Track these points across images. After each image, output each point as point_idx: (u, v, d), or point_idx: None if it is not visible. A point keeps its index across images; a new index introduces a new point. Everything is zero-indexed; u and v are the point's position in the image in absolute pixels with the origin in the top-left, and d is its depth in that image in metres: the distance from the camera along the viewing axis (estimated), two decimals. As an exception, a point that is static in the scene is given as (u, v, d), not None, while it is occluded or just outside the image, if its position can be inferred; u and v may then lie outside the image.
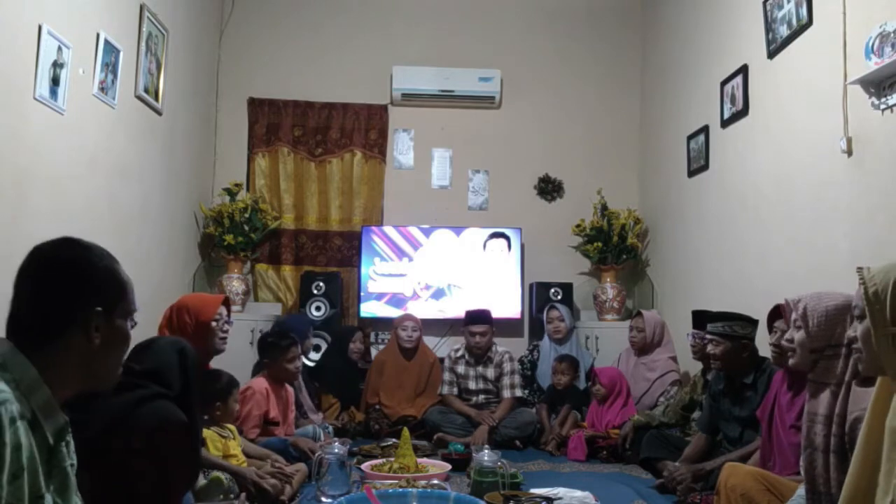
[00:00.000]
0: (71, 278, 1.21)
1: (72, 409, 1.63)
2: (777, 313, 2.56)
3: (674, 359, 4.26)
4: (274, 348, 3.48)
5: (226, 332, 2.77)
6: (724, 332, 3.01)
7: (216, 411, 2.75)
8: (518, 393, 4.38)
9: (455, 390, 4.45)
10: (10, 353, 1.12)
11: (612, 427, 3.96)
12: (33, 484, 1.07)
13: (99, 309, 1.20)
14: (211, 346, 2.71)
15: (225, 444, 2.71)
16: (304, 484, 2.96)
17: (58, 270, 1.22)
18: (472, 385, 4.45)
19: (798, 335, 2.01)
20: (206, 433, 2.67)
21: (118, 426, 1.64)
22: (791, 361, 2.06)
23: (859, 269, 1.43)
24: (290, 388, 3.58)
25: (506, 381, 4.39)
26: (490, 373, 4.44)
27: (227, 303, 2.82)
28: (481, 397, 4.43)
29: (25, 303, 1.20)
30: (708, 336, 3.10)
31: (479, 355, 4.45)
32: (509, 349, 4.57)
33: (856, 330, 1.48)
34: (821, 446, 1.87)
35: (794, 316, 2.03)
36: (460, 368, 4.48)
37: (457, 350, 4.55)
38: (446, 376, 4.47)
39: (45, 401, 1.13)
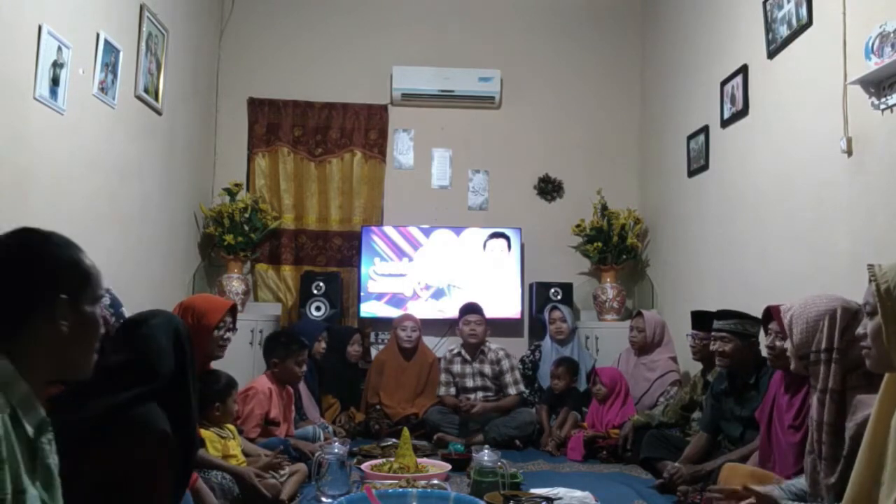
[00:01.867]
0: (30, 268, 1.19)
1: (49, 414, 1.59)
2: (770, 315, 2.57)
3: (674, 359, 4.26)
4: (285, 349, 3.48)
5: (227, 340, 2.74)
6: (735, 329, 3.01)
7: (215, 412, 2.75)
8: (522, 388, 4.42)
9: (452, 391, 4.46)
10: None
11: (612, 427, 3.96)
12: (15, 477, 1.06)
13: (63, 297, 1.19)
14: (209, 352, 2.70)
15: (224, 445, 2.71)
16: (304, 484, 2.96)
17: (16, 261, 1.19)
18: (469, 383, 4.45)
19: (788, 344, 2.07)
20: (206, 433, 2.67)
21: (93, 440, 1.57)
22: (791, 367, 2.10)
23: (870, 266, 1.42)
24: (290, 390, 3.58)
25: (508, 378, 4.41)
26: (487, 369, 4.45)
27: (234, 310, 2.80)
28: (479, 395, 4.43)
29: None
30: (715, 334, 3.10)
31: (473, 347, 4.47)
32: (508, 349, 4.59)
33: (865, 327, 1.47)
34: (816, 451, 1.89)
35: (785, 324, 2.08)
36: (456, 367, 4.49)
37: (452, 350, 4.56)
38: (442, 377, 4.49)
39: (23, 394, 1.12)
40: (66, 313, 1.19)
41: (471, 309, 4.58)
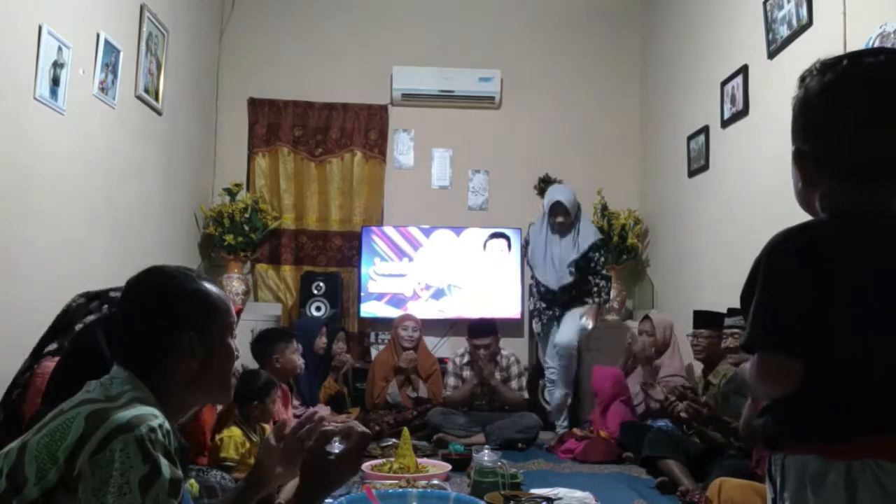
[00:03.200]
0: (157, 308, 1.23)
1: None
2: None
3: (685, 366, 4.17)
4: (284, 341, 3.45)
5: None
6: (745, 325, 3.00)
7: (254, 410, 2.80)
8: (525, 395, 4.40)
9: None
10: (136, 385, 1.16)
11: (607, 430, 3.95)
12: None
13: (192, 334, 1.22)
14: None
15: (248, 448, 2.72)
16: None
17: (143, 303, 1.24)
18: (477, 388, 4.41)
19: None
20: (234, 432, 2.70)
21: None
22: None
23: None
24: (285, 388, 3.55)
25: (514, 384, 4.38)
26: (496, 374, 4.41)
27: (238, 315, 2.79)
28: (485, 400, 4.41)
29: (122, 336, 1.23)
30: (726, 331, 3.09)
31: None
32: (508, 349, 4.56)
33: None
34: None
35: None
36: (466, 373, 4.45)
37: (461, 353, 4.52)
38: (451, 380, 4.43)
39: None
40: (195, 349, 1.22)
41: (479, 331, 4.33)
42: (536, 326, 4.64)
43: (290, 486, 2.79)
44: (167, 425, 1.10)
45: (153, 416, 1.08)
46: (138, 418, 1.06)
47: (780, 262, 1.09)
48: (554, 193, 4.49)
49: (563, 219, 4.43)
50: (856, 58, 1.11)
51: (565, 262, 4.41)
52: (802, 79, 1.15)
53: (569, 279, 4.40)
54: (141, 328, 1.21)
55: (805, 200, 1.18)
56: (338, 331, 4.62)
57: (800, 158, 1.15)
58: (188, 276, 1.28)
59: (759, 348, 1.12)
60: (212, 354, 1.24)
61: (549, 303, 4.52)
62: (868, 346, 1.03)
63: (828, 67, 1.11)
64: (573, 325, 4.40)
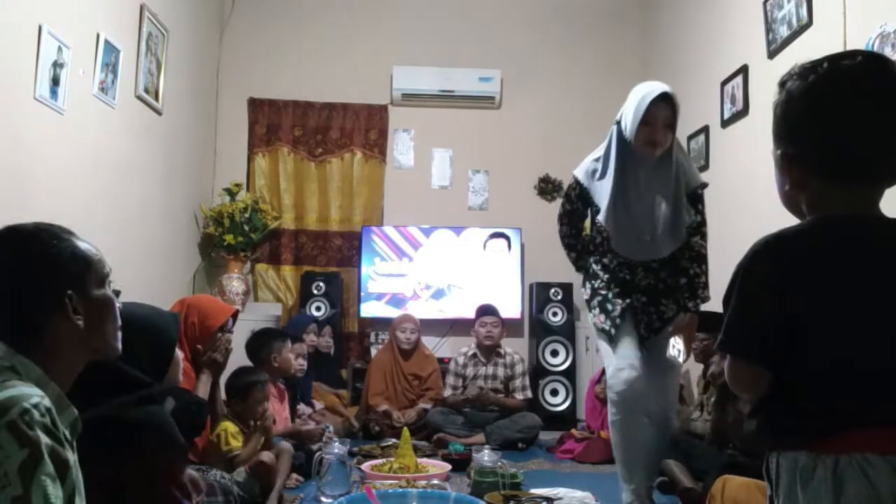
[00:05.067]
0: (26, 273, 1.15)
1: None
2: None
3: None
4: (279, 340, 3.45)
5: (230, 346, 2.68)
6: None
7: (235, 406, 2.82)
8: (529, 394, 4.44)
9: (458, 393, 4.44)
10: (10, 355, 1.10)
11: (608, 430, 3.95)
12: (77, 480, 1.08)
13: (70, 292, 1.16)
14: (205, 353, 2.68)
15: (244, 438, 2.74)
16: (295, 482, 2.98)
17: (9, 269, 1.15)
18: (480, 384, 4.43)
19: None
20: (226, 425, 2.71)
21: (107, 435, 1.49)
22: None
23: None
24: (281, 387, 3.54)
25: (518, 383, 4.41)
26: (500, 372, 4.45)
27: (235, 316, 2.77)
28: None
29: None
30: None
31: (488, 349, 4.46)
32: (507, 350, 4.57)
33: None
34: None
35: None
36: (469, 370, 4.46)
37: (466, 352, 4.54)
38: (451, 380, 4.46)
39: (56, 396, 1.11)
40: (77, 306, 1.17)
41: (487, 310, 4.57)
42: (602, 322, 2.66)
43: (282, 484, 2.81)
44: (46, 402, 1.03)
45: (28, 396, 1.01)
46: (9, 401, 0.99)
47: (755, 271, 1.13)
48: (651, 87, 2.46)
49: (665, 135, 2.46)
50: (835, 60, 1.13)
51: (668, 219, 2.53)
52: (783, 83, 1.17)
53: (670, 251, 2.60)
54: (12, 296, 1.13)
55: (792, 203, 1.20)
56: (307, 324, 4.42)
57: (787, 161, 1.17)
58: (52, 234, 1.19)
59: (728, 354, 1.15)
60: (94, 309, 1.20)
61: (620, 284, 2.68)
62: (849, 347, 1.06)
63: (808, 70, 1.14)
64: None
